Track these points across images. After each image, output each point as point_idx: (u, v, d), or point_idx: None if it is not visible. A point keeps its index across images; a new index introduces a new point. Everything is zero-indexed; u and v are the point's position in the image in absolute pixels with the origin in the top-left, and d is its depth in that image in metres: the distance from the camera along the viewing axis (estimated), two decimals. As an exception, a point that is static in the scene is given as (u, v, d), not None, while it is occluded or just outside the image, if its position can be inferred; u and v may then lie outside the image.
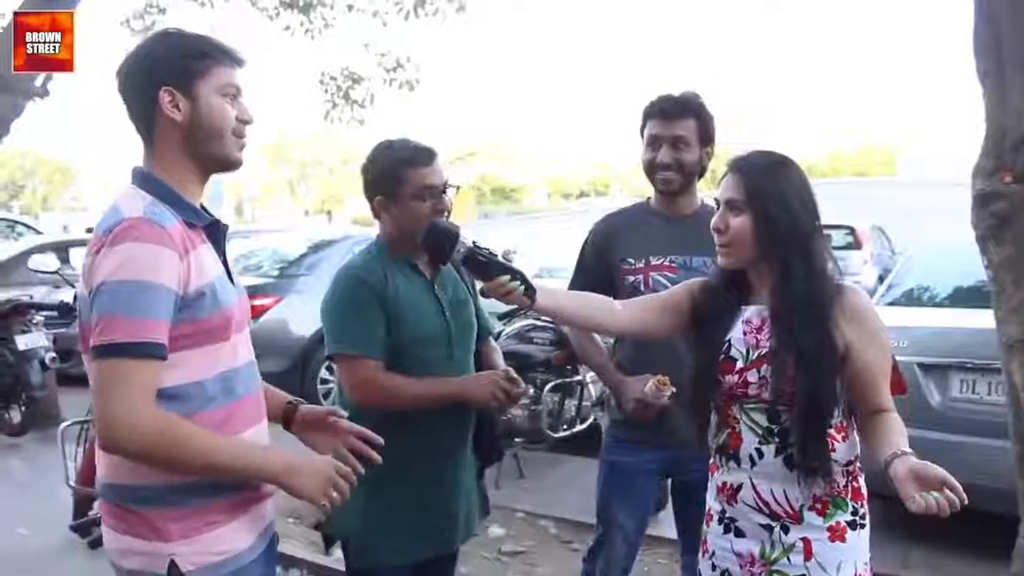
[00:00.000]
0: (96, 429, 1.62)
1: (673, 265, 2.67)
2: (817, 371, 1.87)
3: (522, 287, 2.01)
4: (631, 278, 2.69)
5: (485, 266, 2.02)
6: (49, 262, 5.63)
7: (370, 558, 2.34)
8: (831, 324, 1.89)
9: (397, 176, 2.32)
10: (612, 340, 2.94)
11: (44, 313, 6.57)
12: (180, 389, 1.64)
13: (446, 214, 2.33)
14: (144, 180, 1.71)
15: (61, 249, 9.64)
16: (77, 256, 10.78)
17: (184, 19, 9.11)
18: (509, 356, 5.44)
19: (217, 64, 1.72)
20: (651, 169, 2.71)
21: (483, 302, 2.57)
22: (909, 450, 1.76)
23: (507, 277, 2.00)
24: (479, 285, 2.14)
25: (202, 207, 1.78)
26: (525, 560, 4.36)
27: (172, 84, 1.67)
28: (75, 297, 5.05)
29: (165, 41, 1.74)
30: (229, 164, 1.77)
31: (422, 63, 10.11)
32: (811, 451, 1.88)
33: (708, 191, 2.83)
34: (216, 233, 1.78)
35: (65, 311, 4.95)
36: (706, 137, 2.70)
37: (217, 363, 1.70)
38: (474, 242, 2.04)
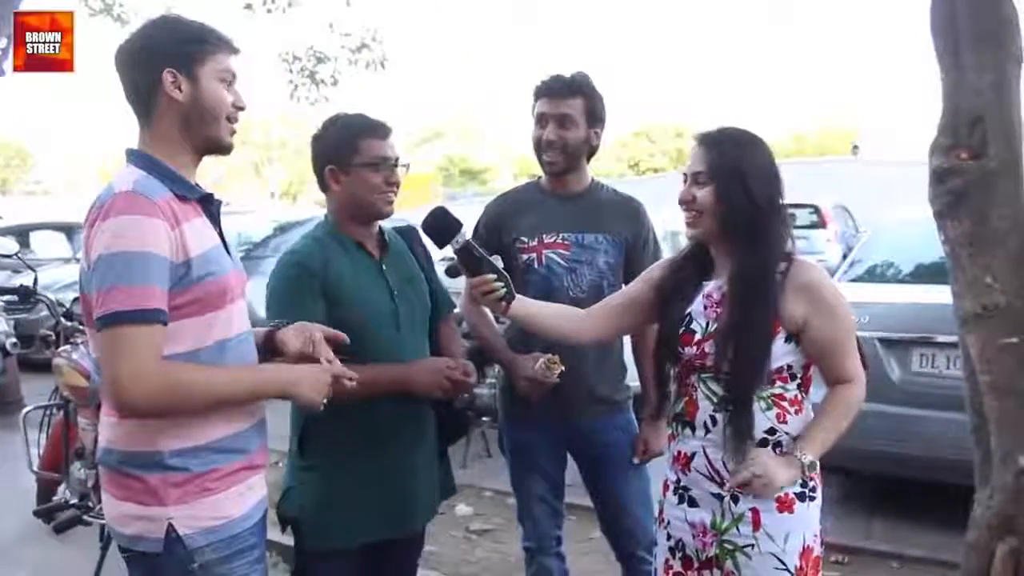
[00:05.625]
0: (107, 396, 1.68)
1: (566, 242, 2.71)
2: (747, 341, 1.93)
3: (503, 290, 2.10)
4: (525, 256, 2.72)
5: (477, 261, 2.11)
6: (8, 245, 5.50)
7: (323, 539, 2.31)
8: (778, 298, 1.94)
9: (352, 146, 2.30)
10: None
11: (4, 298, 6.46)
12: (178, 358, 1.69)
13: (396, 188, 2.33)
14: (138, 158, 1.78)
15: (21, 233, 9.47)
16: (37, 240, 10.62)
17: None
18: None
19: (216, 50, 1.81)
20: (538, 147, 2.73)
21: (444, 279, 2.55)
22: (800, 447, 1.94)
23: (493, 277, 2.09)
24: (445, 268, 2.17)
25: (197, 184, 1.84)
26: (494, 538, 4.40)
27: (175, 66, 1.75)
28: (35, 281, 5.00)
29: (166, 26, 1.81)
30: (221, 147, 1.86)
31: (387, 43, 10.06)
32: (738, 418, 1.94)
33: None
34: (211, 207, 1.85)
35: (25, 296, 4.83)
36: (594, 117, 2.71)
37: (214, 332, 1.76)
38: (473, 238, 2.10)
